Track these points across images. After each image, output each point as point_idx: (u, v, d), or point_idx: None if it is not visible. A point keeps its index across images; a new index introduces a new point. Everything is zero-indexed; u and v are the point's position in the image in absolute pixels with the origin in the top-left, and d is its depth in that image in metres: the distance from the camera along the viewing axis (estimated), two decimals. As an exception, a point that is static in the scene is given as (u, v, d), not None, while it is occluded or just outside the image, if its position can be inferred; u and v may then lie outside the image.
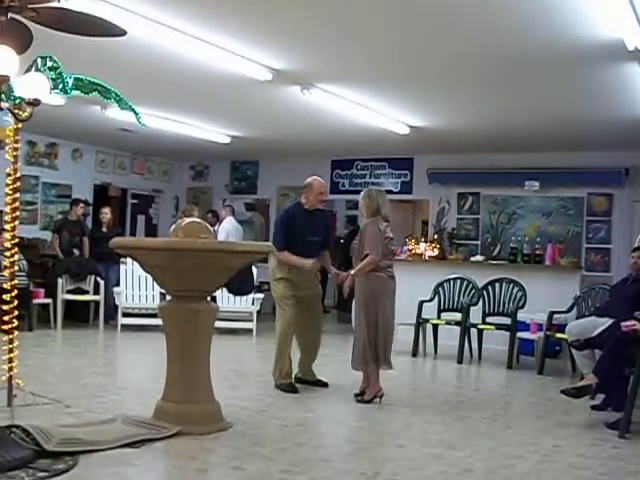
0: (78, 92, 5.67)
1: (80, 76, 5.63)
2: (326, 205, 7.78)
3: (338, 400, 6.84)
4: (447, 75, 7.95)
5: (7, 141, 5.74)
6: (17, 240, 5.86)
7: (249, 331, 11.13)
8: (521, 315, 9.42)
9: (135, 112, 5.96)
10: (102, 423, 5.24)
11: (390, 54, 7.22)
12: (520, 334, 9.34)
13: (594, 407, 6.62)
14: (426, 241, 12.14)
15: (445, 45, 6.87)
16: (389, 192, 12.43)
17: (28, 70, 5.41)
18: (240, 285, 10.75)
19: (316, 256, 7.18)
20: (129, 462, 4.46)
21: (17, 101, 5.36)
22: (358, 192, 7.56)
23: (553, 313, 8.88)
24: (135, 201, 15.61)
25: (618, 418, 5.86)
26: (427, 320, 9.87)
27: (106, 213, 12.21)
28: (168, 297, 5.72)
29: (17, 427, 4.57)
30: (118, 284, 11.41)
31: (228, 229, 12.81)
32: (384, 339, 6.71)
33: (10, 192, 5.73)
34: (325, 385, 7.30)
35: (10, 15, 4.31)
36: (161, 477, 4.51)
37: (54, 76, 5.46)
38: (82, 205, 12.23)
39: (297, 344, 7.34)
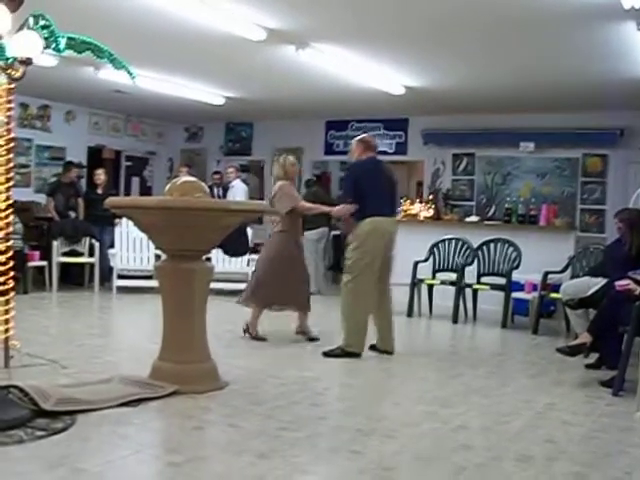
0: (71, 51, 5.62)
1: (73, 35, 5.58)
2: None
3: (334, 359, 6.87)
4: (442, 34, 7.90)
5: (0, 101, 5.69)
6: (12, 201, 5.83)
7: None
8: (516, 275, 9.46)
9: (129, 70, 5.91)
10: (99, 383, 5.26)
11: (384, 13, 7.15)
12: (515, 294, 9.41)
13: (588, 365, 6.69)
14: (421, 202, 12.13)
15: (439, 3, 6.82)
16: (384, 153, 12.48)
17: (20, 29, 5.37)
18: (235, 246, 10.82)
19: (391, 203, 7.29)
20: (126, 421, 4.49)
21: (9, 60, 5.31)
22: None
23: (548, 273, 8.92)
24: (129, 163, 15.56)
25: (612, 376, 5.91)
26: (422, 280, 9.91)
27: (100, 174, 12.16)
28: (164, 257, 5.72)
29: (15, 387, 4.58)
30: (113, 246, 11.42)
31: (237, 190, 12.82)
32: None
33: (4, 153, 5.69)
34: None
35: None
36: (158, 435, 4.53)
37: (47, 35, 5.41)
38: (75, 170, 12.20)
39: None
